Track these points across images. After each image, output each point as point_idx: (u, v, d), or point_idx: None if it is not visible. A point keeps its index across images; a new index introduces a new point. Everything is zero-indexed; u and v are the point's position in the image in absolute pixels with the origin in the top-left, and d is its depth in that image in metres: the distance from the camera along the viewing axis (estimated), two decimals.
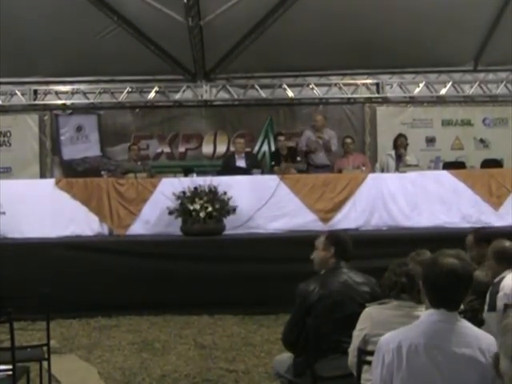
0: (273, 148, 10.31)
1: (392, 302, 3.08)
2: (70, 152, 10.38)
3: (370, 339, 3.01)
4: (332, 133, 9.37)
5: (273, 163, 9.14)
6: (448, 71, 10.30)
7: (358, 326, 3.11)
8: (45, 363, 4.40)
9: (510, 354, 1.88)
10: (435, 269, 2.32)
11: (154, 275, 6.98)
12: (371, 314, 3.10)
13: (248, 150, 9.90)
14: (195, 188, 7.52)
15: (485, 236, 4.89)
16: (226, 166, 8.84)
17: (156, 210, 7.69)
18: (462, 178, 7.88)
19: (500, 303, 3.45)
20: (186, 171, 8.49)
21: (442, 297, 2.30)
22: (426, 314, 2.37)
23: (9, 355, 3.68)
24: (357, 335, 3.10)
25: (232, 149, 10.16)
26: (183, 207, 7.41)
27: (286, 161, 8.77)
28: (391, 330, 2.81)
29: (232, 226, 7.55)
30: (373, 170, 8.83)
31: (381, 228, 7.74)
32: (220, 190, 7.50)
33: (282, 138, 9.23)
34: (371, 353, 2.68)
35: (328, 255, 3.71)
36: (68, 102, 10.38)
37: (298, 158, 8.75)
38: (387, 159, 8.98)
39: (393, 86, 10.43)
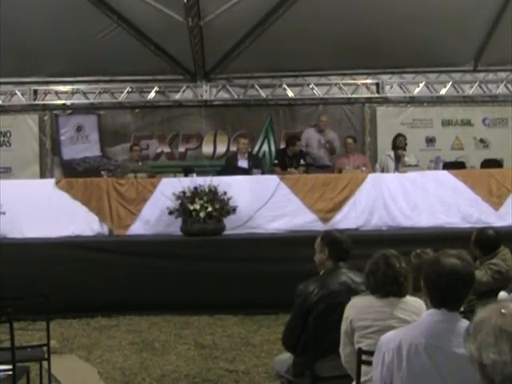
0: (273, 148, 10.31)
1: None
2: (70, 152, 10.39)
3: (355, 324, 3.05)
4: (334, 134, 9.40)
5: (275, 161, 9.12)
6: (448, 71, 10.30)
7: (343, 317, 3.14)
8: (45, 363, 4.40)
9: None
10: (437, 269, 2.32)
11: (154, 275, 6.98)
12: (353, 303, 3.15)
13: (248, 150, 9.91)
14: (195, 188, 7.51)
15: (480, 240, 4.92)
16: (228, 166, 8.82)
17: (156, 210, 7.69)
18: (461, 178, 7.88)
19: None
20: (186, 171, 8.48)
21: (443, 297, 2.30)
22: (426, 314, 2.38)
23: (9, 355, 3.67)
24: (342, 328, 3.14)
25: (232, 149, 10.16)
26: (183, 207, 7.40)
27: (290, 162, 8.75)
28: (374, 314, 2.99)
29: (232, 226, 7.54)
30: (373, 171, 8.83)
31: (381, 228, 7.74)
32: (220, 189, 7.50)
33: (300, 142, 9.05)
34: (370, 353, 2.68)
35: (324, 257, 3.70)
36: (68, 102, 10.38)
37: (302, 162, 8.72)
38: (386, 160, 8.98)
39: (393, 86, 10.43)
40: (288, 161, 8.85)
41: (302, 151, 9.05)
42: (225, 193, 7.49)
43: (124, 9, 8.31)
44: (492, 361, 1.41)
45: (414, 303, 3.04)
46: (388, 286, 3.04)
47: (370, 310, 3.04)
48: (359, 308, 3.09)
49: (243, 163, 8.77)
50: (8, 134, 10.34)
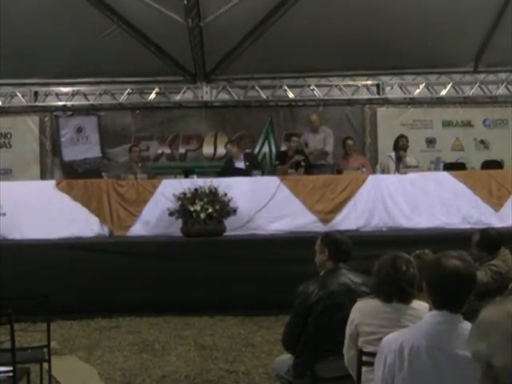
0: (273, 149, 10.30)
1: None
2: (70, 153, 10.38)
3: (360, 329, 3.03)
4: (329, 131, 9.33)
5: (277, 162, 9.11)
6: (448, 72, 10.31)
7: (349, 320, 3.13)
8: (45, 364, 4.41)
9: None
10: (438, 270, 2.32)
11: (154, 276, 6.98)
12: (359, 306, 3.13)
13: (248, 151, 9.91)
14: (195, 189, 7.51)
15: (486, 240, 4.93)
16: (227, 168, 8.83)
17: (156, 211, 7.69)
18: (462, 179, 7.88)
19: None
20: (187, 172, 8.47)
21: (444, 298, 2.30)
22: (428, 315, 2.37)
23: (9, 356, 3.67)
24: (347, 331, 3.12)
25: None
26: (183, 208, 7.41)
27: (290, 163, 8.75)
28: (379, 320, 2.95)
29: (232, 227, 7.54)
30: (373, 172, 8.82)
31: (381, 229, 7.74)
32: (220, 191, 7.50)
33: (296, 138, 9.06)
34: (372, 354, 2.68)
35: (324, 258, 3.70)
36: (68, 104, 10.39)
37: (302, 163, 8.72)
38: (387, 161, 8.97)
39: (393, 87, 10.43)
40: (288, 161, 8.83)
41: (302, 151, 9.03)
42: (225, 194, 7.50)
43: (124, 10, 8.32)
44: (504, 364, 1.41)
45: (424, 309, 2.91)
46: (388, 288, 3.00)
47: (375, 315, 3.01)
48: (365, 312, 3.06)
49: (239, 164, 8.79)
50: (8, 136, 10.35)
